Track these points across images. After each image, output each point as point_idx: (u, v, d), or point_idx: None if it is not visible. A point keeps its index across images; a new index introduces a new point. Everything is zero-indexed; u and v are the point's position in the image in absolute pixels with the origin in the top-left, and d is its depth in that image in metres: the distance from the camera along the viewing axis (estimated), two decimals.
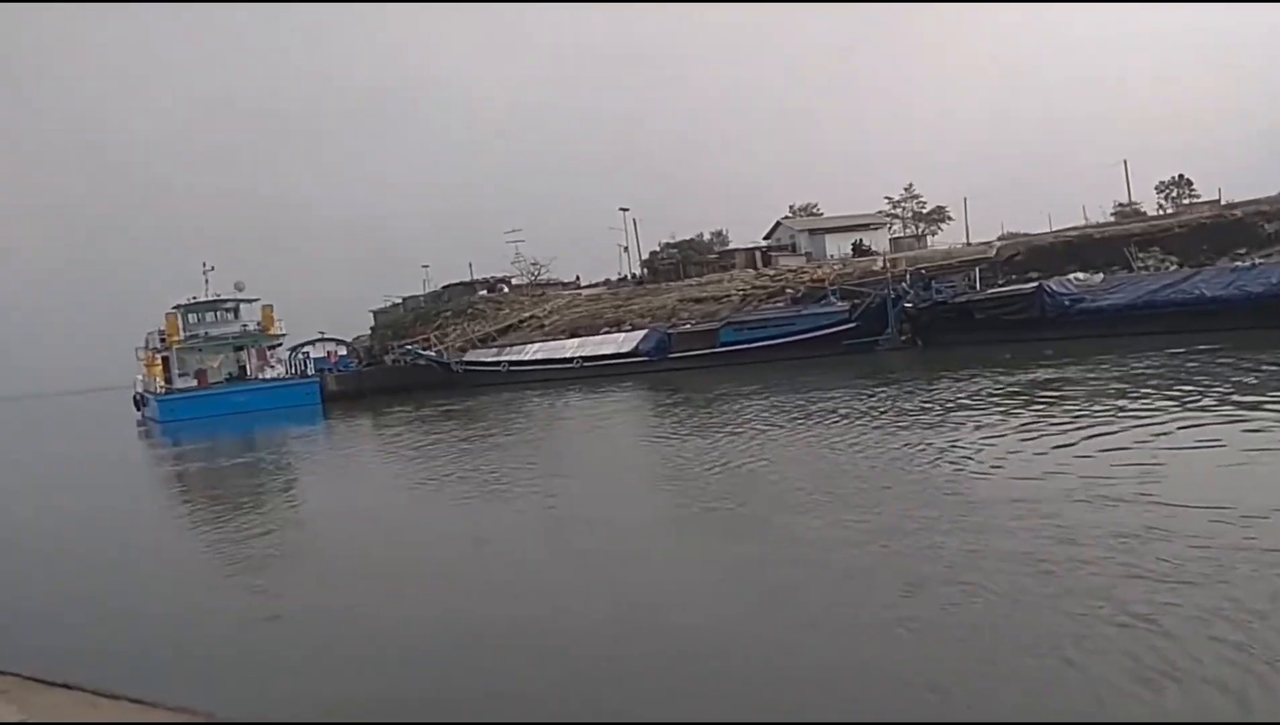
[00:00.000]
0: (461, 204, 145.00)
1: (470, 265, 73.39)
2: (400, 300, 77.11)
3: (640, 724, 5.84)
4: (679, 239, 68.87)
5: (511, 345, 49.58)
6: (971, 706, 5.53)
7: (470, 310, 64.89)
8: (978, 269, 38.06)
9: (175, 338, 46.77)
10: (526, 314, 60.90)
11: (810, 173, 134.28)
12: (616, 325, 51.97)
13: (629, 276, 71.18)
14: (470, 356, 48.92)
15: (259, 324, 48.92)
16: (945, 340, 35.02)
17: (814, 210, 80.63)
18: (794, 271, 49.14)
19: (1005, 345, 30.14)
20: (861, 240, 57.34)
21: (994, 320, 33.35)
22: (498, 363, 46.98)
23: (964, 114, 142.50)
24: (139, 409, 53.25)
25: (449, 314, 65.34)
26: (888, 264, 38.68)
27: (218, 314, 49.29)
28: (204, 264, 49.65)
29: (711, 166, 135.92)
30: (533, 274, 69.48)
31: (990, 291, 34.92)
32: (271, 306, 48.86)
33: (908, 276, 38.62)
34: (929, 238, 70.91)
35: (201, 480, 22.27)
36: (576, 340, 46.57)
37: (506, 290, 70.48)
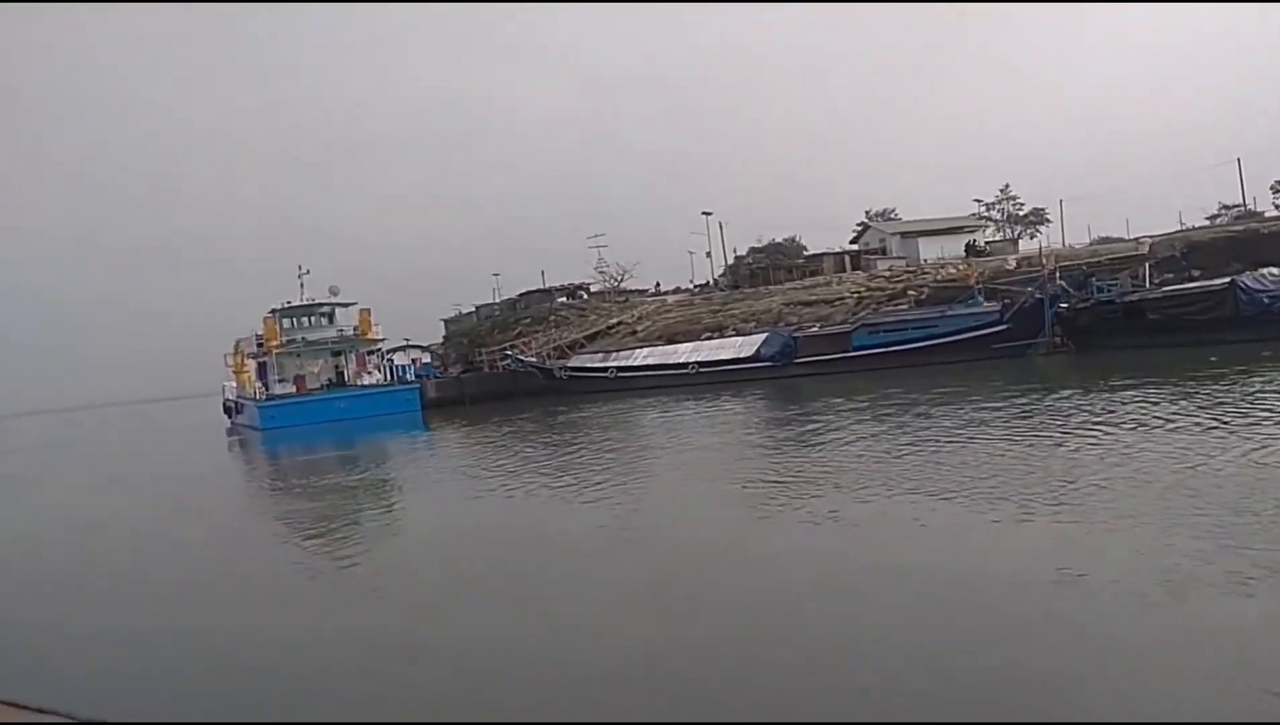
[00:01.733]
0: (524, 215, 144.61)
1: (542, 273, 71.91)
2: (474, 308, 75.90)
3: (640, 724, 5.87)
4: (765, 242, 66.80)
5: (617, 350, 47.58)
6: None
7: (552, 317, 63.15)
8: (1148, 265, 35.40)
9: (274, 342, 45.32)
10: (614, 320, 59.00)
11: (876, 179, 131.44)
12: (718, 331, 49.87)
13: (711, 282, 69.28)
14: (574, 362, 46.99)
15: (355, 328, 47.45)
16: (1107, 344, 32.54)
17: (892, 215, 78.18)
18: (912, 272, 46.68)
19: (1184, 349, 27.70)
20: (975, 240, 54.66)
21: (1172, 321, 30.82)
22: (605, 368, 45.04)
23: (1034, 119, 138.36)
24: (230, 417, 52.10)
25: (528, 321, 63.75)
26: (1045, 261, 36.00)
27: (313, 318, 47.92)
28: (299, 267, 48.48)
29: (776, 175, 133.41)
30: (615, 279, 67.56)
31: (1168, 290, 32.32)
32: (369, 310, 47.35)
33: (1057, 275, 36.16)
34: (1021, 242, 68.04)
35: (333, 507, 18.16)
36: (689, 345, 44.50)
37: (585, 297, 68.87)
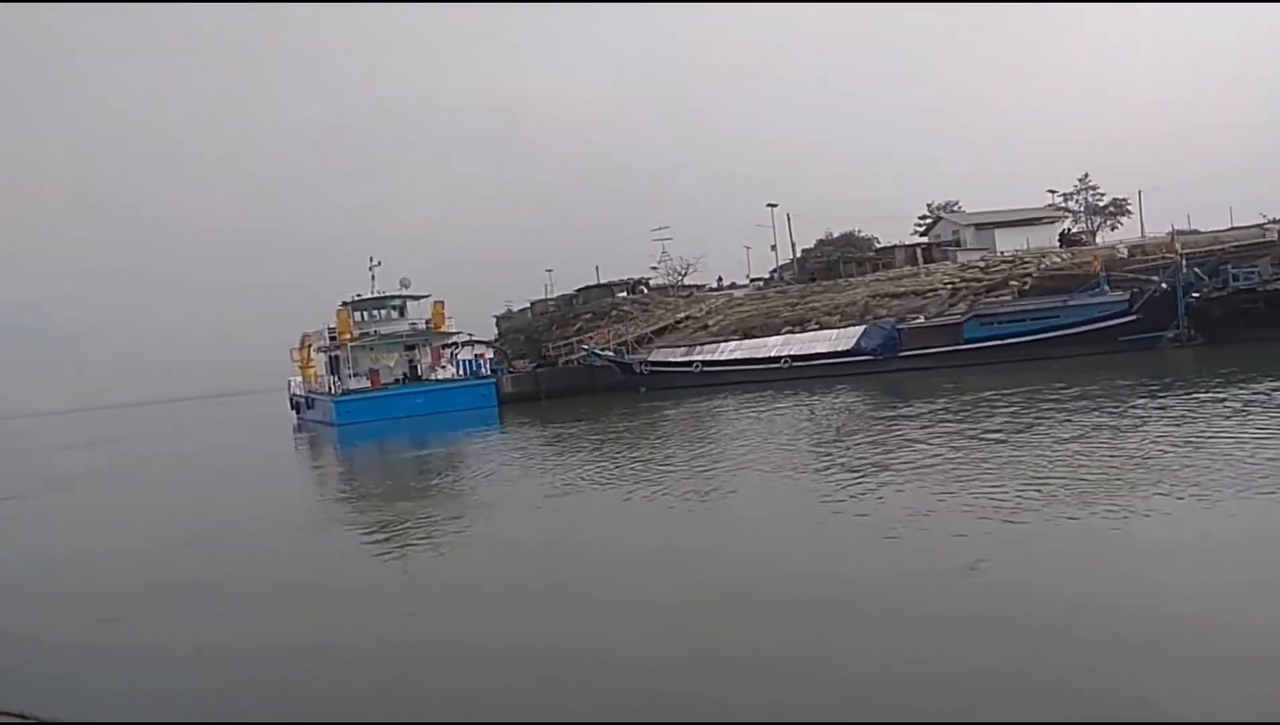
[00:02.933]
0: (568, 214, 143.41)
1: (596, 268, 70.32)
2: (529, 304, 74.61)
3: (640, 724, 5.98)
4: (834, 235, 64.64)
5: (700, 344, 45.82)
6: None
7: (614, 312, 61.55)
8: None
9: (347, 335, 43.98)
10: (681, 314, 57.33)
11: (933, 174, 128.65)
12: (799, 324, 48.03)
13: (777, 275, 67.35)
14: (655, 356, 45.26)
15: (428, 322, 46.05)
16: (1245, 336, 30.33)
17: (954, 207, 75.75)
18: (1011, 262, 44.50)
19: None
20: (1069, 229, 52.32)
21: None
22: (689, 363, 43.26)
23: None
24: (298, 412, 50.89)
25: (588, 316, 62.23)
26: (1178, 247, 33.78)
27: (384, 311, 46.60)
28: (370, 259, 47.09)
29: (829, 169, 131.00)
30: (679, 273, 65.75)
31: None
32: (443, 303, 45.93)
33: (1183, 262, 34.00)
34: (1099, 234, 65.50)
35: (425, 515, 15.77)
36: (779, 338, 42.64)
37: (645, 291, 67.22)
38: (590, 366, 47.10)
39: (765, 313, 52.44)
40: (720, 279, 70.52)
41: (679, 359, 44.16)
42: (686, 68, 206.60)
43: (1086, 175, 65.43)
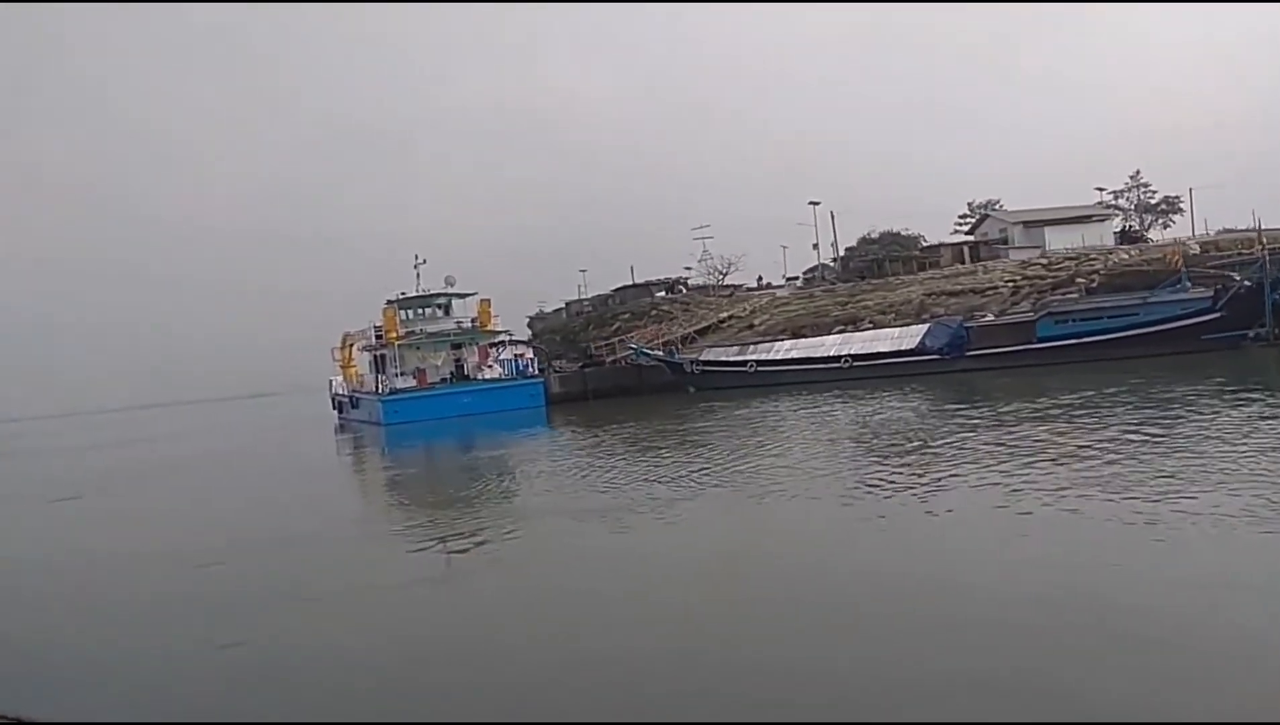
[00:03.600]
0: (601, 215, 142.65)
1: (631, 268, 69.48)
2: (563, 304, 73.97)
3: (639, 723, 6.06)
4: (878, 233, 63.49)
5: (753, 343, 44.81)
6: None
7: (654, 311, 60.63)
8: None
9: (394, 334, 43.23)
10: (724, 314, 56.38)
11: (965, 173, 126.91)
12: (851, 323, 46.94)
13: (818, 274, 66.30)
14: (707, 355, 44.27)
15: (473, 320, 45.26)
16: None
17: (997, 205, 74.37)
18: (1076, 259, 43.16)
19: None
20: (1129, 225, 50.91)
21: None
22: (743, 362, 42.23)
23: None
24: (340, 412, 50.25)
25: (626, 316, 61.36)
26: (1263, 242, 32.46)
27: (429, 310, 45.85)
28: (416, 256, 46.32)
29: (859, 169, 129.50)
30: (720, 272, 64.79)
31: None
32: (489, 301, 45.11)
33: (1267, 258, 32.62)
34: (1152, 231, 63.92)
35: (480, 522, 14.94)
36: (837, 337, 41.54)
37: (684, 291, 66.35)
38: (639, 366, 46.15)
39: (814, 312, 51.35)
40: (760, 278, 69.64)
41: (732, 358, 43.14)
42: (707, 69, 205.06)
43: (1138, 172, 63.93)
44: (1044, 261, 43.85)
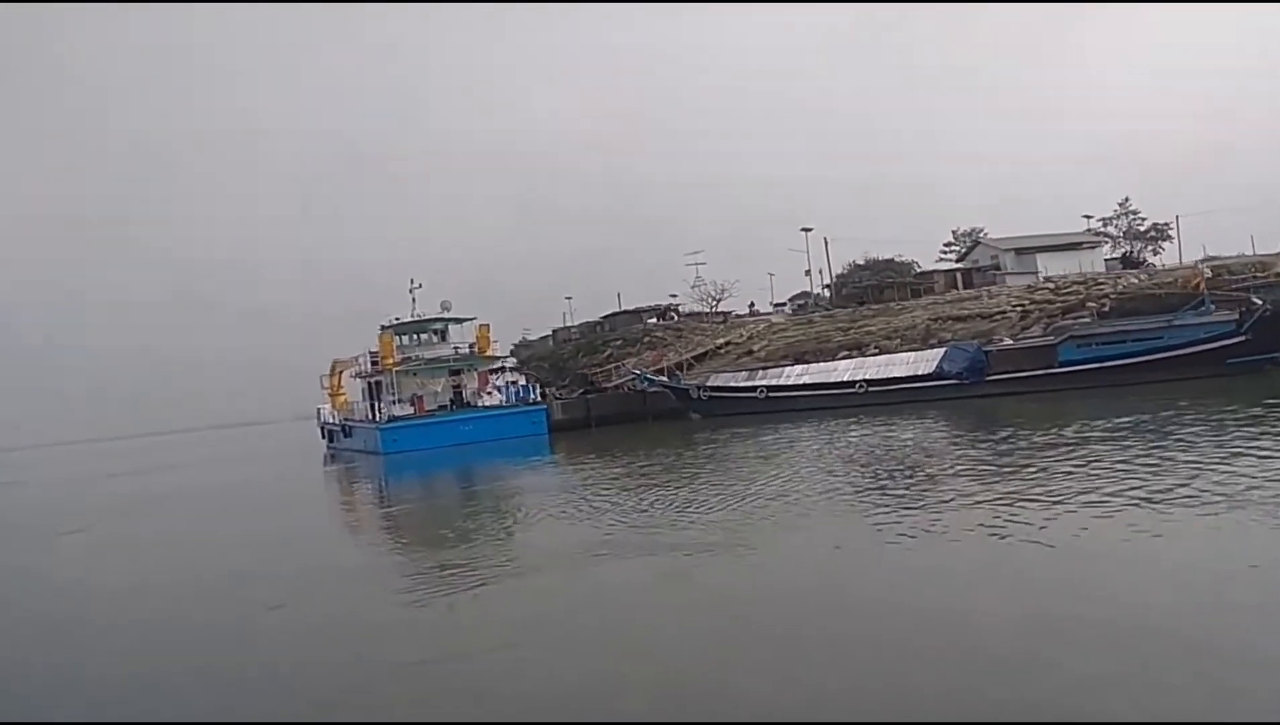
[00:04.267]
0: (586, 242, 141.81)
1: (619, 295, 68.66)
2: (550, 332, 72.80)
3: (639, 724, 6.28)
4: (874, 258, 63.28)
5: (762, 368, 43.89)
6: None
7: (647, 338, 59.65)
8: None
9: (390, 360, 41.71)
10: (721, 340, 55.55)
11: (946, 202, 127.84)
12: (855, 348, 46.26)
13: (812, 301, 65.85)
14: (715, 381, 43.27)
15: (471, 346, 43.92)
16: None
17: (981, 233, 74.70)
18: (1085, 283, 42.95)
19: None
20: (1130, 251, 50.99)
21: None
22: (753, 388, 41.27)
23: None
24: (330, 441, 48.45)
25: (618, 343, 60.31)
26: None
27: (425, 335, 44.43)
28: (412, 281, 44.91)
29: (837, 197, 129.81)
30: (713, 298, 64.01)
31: None
32: (488, 326, 43.85)
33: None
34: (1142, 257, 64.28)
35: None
36: (850, 362, 40.75)
37: (676, 317, 65.49)
38: (643, 392, 45.03)
39: (815, 337, 50.61)
40: (752, 304, 69.06)
41: (741, 384, 42.18)
42: (677, 97, 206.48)
43: (1127, 199, 64.36)
44: (1051, 286, 43.58)
